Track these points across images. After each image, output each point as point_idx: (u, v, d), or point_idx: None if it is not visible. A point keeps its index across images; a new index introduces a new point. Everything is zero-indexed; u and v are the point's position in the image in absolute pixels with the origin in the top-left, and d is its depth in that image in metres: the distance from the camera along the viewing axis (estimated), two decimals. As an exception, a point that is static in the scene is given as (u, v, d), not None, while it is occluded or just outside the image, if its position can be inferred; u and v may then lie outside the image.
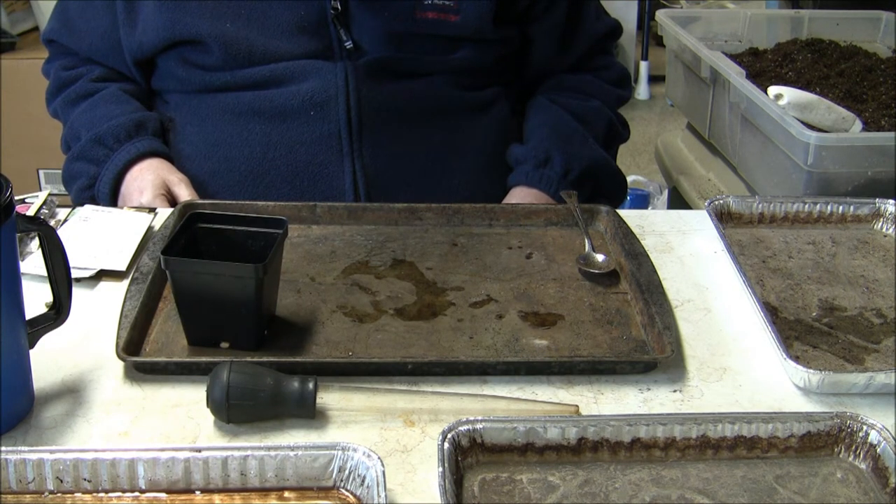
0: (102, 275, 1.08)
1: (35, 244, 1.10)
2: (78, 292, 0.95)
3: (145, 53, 1.39)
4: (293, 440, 0.83)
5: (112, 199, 1.35)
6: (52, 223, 1.15)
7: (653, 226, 1.23)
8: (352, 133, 1.34)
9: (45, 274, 0.87)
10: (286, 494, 0.77)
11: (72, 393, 0.89)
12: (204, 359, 0.91)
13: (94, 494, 0.77)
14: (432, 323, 1.01)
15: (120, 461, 0.76)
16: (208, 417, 0.86)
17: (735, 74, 1.56)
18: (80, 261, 1.07)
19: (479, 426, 0.81)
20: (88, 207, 1.21)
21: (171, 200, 1.30)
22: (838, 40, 1.82)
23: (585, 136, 1.43)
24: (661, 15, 1.91)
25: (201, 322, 0.94)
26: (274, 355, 0.93)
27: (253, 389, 0.84)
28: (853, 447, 0.83)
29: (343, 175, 1.34)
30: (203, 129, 1.37)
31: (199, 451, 0.77)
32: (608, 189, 1.44)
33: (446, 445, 0.78)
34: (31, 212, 1.17)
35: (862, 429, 0.83)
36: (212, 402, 0.84)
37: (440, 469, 0.75)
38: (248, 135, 1.35)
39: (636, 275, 1.07)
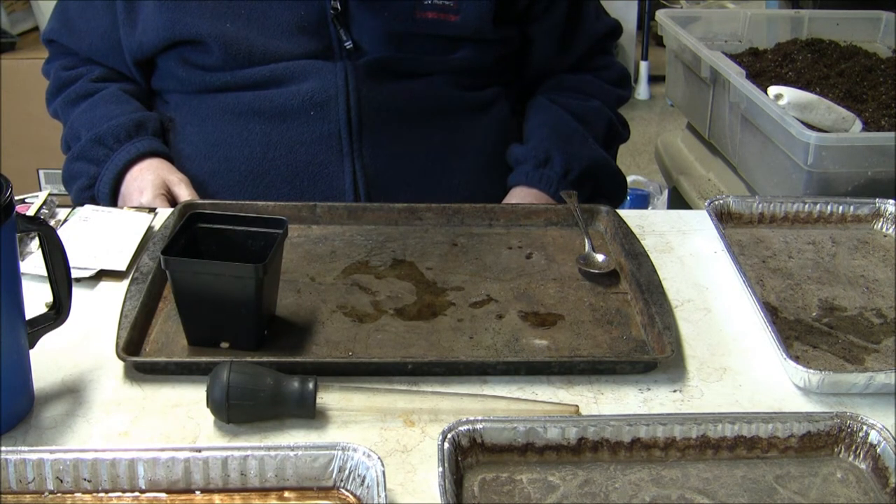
0: (102, 275, 1.08)
1: (35, 244, 1.10)
2: (78, 292, 0.95)
3: (145, 53, 1.39)
4: (293, 440, 0.83)
5: (112, 199, 1.35)
6: (52, 223, 1.15)
7: (653, 226, 1.23)
8: (352, 133, 1.34)
9: (45, 274, 0.87)
10: (286, 494, 0.77)
11: (72, 393, 0.89)
12: (204, 359, 0.91)
13: (94, 494, 0.77)
14: (432, 323, 1.01)
15: (120, 461, 0.76)
16: (208, 417, 0.86)
17: (735, 74, 1.56)
18: (80, 261, 1.07)
19: (479, 426, 0.81)
20: (88, 207, 1.21)
21: (171, 200, 1.30)
22: (838, 40, 1.82)
23: (585, 136, 1.43)
24: (661, 15, 1.91)
25: (201, 322, 0.94)
26: (274, 355, 0.93)
27: (253, 389, 0.84)
28: (853, 447, 0.83)
29: (343, 175, 1.34)
30: (203, 129, 1.37)
31: (199, 451, 0.77)
32: (608, 189, 1.44)
33: (446, 445, 0.78)
34: (31, 212, 1.17)
35: (862, 429, 0.83)
36: (212, 402, 0.84)
37: (440, 469, 0.75)
38: (248, 135, 1.35)
39: (636, 275, 1.07)
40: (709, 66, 1.69)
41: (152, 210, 1.21)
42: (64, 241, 0.87)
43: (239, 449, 0.77)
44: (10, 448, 0.76)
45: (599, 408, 0.89)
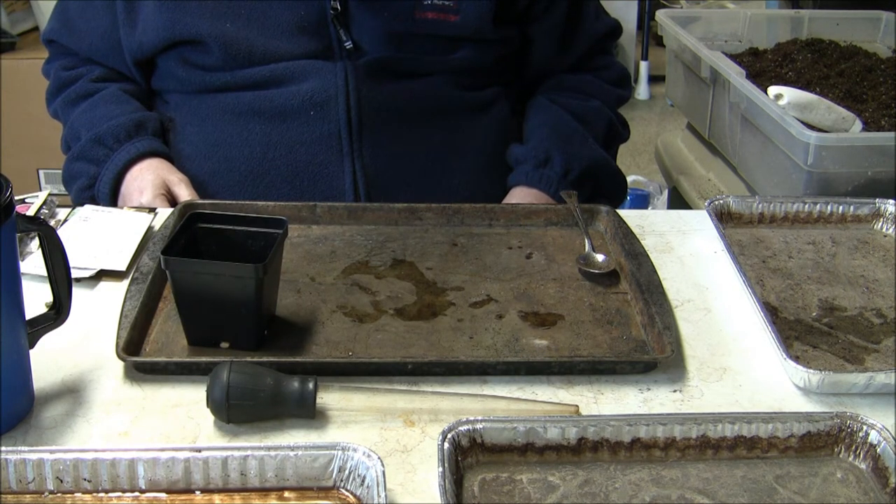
0: (102, 275, 1.08)
1: (35, 244, 1.10)
2: (78, 292, 0.95)
3: (145, 53, 1.39)
4: (293, 440, 0.83)
5: (112, 199, 1.35)
6: (52, 223, 1.15)
7: (653, 226, 1.23)
8: (352, 133, 1.34)
9: (45, 274, 0.87)
10: (286, 494, 0.77)
11: (72, 393, 0.89)
12: (204, 359, 0.91)
13: (94, 494, 0.77)
14: (432, 323, 1.01)
15: (120, 461, 0.76)
16: (208, 417, 0.86)
17: (735, 74, 1.56)
18: (80, 261, 1.07)
19: (479, 426, 0.81)
20: (88, 207, 1.21)
21: (171, 200, 1.30)
22: (838, 40, 1.82)
23: (585, 136, 1.43)
24: (661, 15, 1.91)
25: (201, 322, 0.94)
26: (274, 355, 0.93)
27: (253, 389, 0.84)
28: (853, 447, 0.83)
29: (343, 175, 1.34)
30: (203, 129, 1.37)
31: (199, 451, 0.77)
32: (608, 189, 1.44)
33: (446, 445, 0.78)
34: (31, 212, 1.17)
35: (862, 429, 0.83)
36: (212, 402, 0.84)
37: (440, 469, 0.75)
38: (248, 135, 1.35)
39: (636, 275, 1.07)
40: (709, 66, 1.69)
41: (152, 210, 1.21)
42: (64, 241, 0.87)
43: (239, 449, 0.77)
44: (10, 448, 0.76)
45: (599, 408, 0.89)
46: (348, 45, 1.34)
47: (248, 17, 1.34)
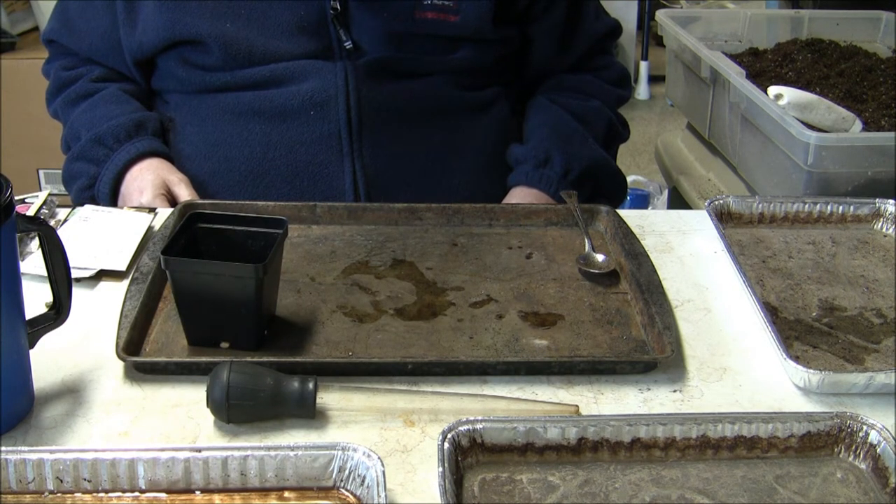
0: (102, 275, 1.08)
1: (35, 244, 1.10)
2: (78, 292, 0.95)
3: (145, 53, 1.39)
4: (293, 440, 0.83)
5: (112, 199, 1.35)
6: (52, 223, 1.15)
7: (653, 226, 1.23)
8: (352, 133, 1.34)
9: (45, 274, 0.87)
10: (286, 494, 0.77)
11: (72, 393, 0.89)
12: (204, 359, 0.91)
13: (94, 494, 0.77)
14: (432, 323, 1.01)
15: (120, 461, 0.76)
16: (208, 417, 0.86)
17: (735, 74, 1.56)
18: (80, 261, 1.07)
19: (479, 426, 0.81)
20: (88, 207, 1.21)
21: (171, 200, 1.30)
22: (838, 40, 1.82)
23: (585, 136, 1.43)
24: (661, 15, 1.91)
25: (201, 322, 0.94)
26: (274, 355, 0.93)
27: (253, 389, 0.84)
28: (853, 447, 0.83)
29: (343, 175, 1.34)
30: (203, 129, 1.37)
31: (199, 451, 0.77)
32: (608, 189, 1.44)
33: (446, 445, 0.78)
34: (31, 212, 1.17)
35: (862, 429, 0.83)
36: (212, 402, 0.84)
37: (440, 469, 0.75)
38: (248, 135, 1.35)
39: (636, 275, 1.07)
40: (709, 66, 1.69)
41: (152, 210, 1.21)
42: (64, 241, 0.87)
43: (239, 449, 0.77)
44: (10, 448, 0.76)
45: (599, 408, 0.89)
46: (348, 45, 1.34)
47: (248, 17, 1.34)
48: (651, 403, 0.90)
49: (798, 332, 1.01)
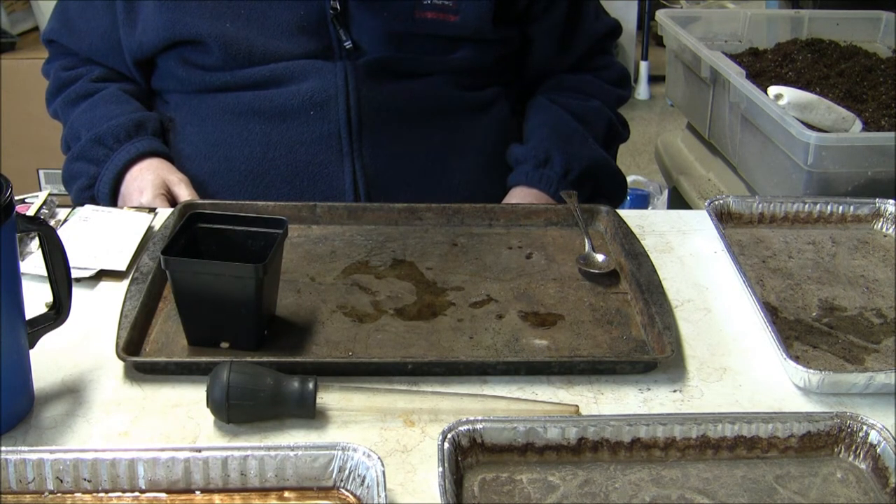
0: (102, 275, 1.08)
1: (35, 244, 1.10)
2: (78, 292, 0.95)
3: (145, 53, 1.39)
4: (293, 440, 0.83)
5: (112, 199, 1.35)
6: (52, 223, 1.15)
7: (653, 226, 1.23)
8: (352, 133, 1.34)
9: (45, 274, 0.87)
10: (286, 494, 0.77)
11: (72, 393, 0.89)
12: (204, 359, 0.91)
13: (94, 494, 0.77)
14: (432, 323, 1.01)
15: (120, 461, 0.76)
16: (208, 417, 0.86)
17: (735, 74, 1.56)
18: (80, 261, 1.07)
19: (479, 426, 0.81)
20: (88, 207, 1.21)
21: (171, 200, 1.30)
22: (838, 40, 1.82)
23: (585, 136, 1.43)
24: (661, 15, 1.91)
25: (201, 322, 0.94)
26: (274, 355, 0.93)
27: (253, 389, 0.84)
28: (853, 447, 0.83)
29: (343, 175, 1.34)
30: (203, 129, 1.37)
31: (199, 451, 0.77)
32: (608, 189, 1.44)
33: (446, 445, 0.78)
34: (31, 212, 1.17)
35: (862, 429, 0.83)
36: (212, 402, 0.84)
37: (440, 469, 0.75)
38: (248, 135, 1.35)
39: (636, 275, 1.07)
40: (709, 66, 1.69)
41: (152, 210, 1.21)
42: (64, 241, 0.87)
43: (239, 449, 0.77)
44: (10, 448, 0.76)
45: (599, 408, 0.89)
46: (348, 45, 1.34)
47: (248, 17, 1.34)
48: (651, 403, 0.90)
49: (798, 332, 1.01)
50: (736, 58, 1.72)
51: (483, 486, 0.79)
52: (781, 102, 1.44)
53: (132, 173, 1.34)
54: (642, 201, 2.97)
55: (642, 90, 4.48)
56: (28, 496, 0.76)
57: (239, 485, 0.78)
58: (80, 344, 0.96)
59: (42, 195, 1.20)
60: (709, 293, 1.09)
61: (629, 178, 2.74)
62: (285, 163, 1.34)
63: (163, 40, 1.36)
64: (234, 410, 0.84)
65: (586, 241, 1.15)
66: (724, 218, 1.22)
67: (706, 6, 3.81)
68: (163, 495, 0.77)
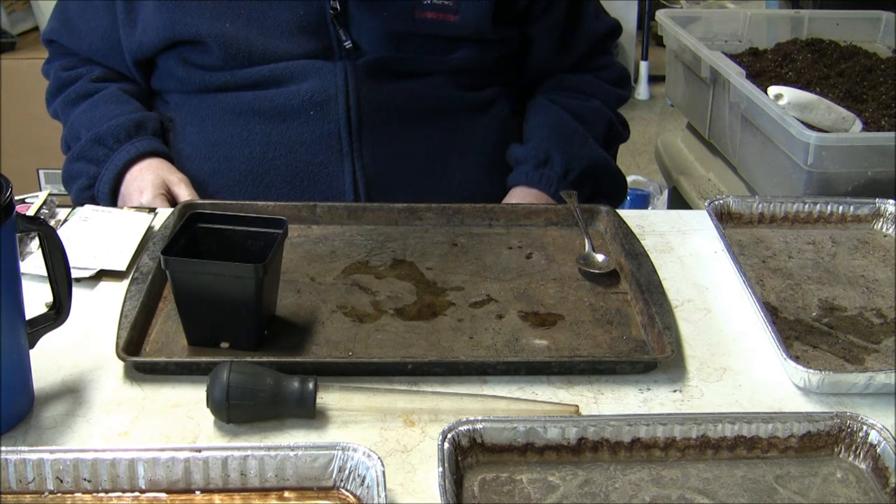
0: (102, 275, 1.08)
1: (35, 244, 1.10)
2: (78, 292, 0.95)
3: (145, 53, 1.39)
4: (293, 440, 0.83)
5: (112, 199, 1.35)
6: (52, 223, 1.15)
7: (653, 226, 1.23)
8: (352, 133, 1.34)
9: (45, 274, 0.87)
10: (286, 494, 0.77)
11: (72, 393, 0.89)
12: (204, 359, 0.91)
13: (94, 494, 0.77)
14: (432, 323, 1.01)
15: (120, 461, 0.76)
16: (208, 417, 0.86)
17: (735, 74, 1.56)
18: (80, 261, 1.07)
19: (479, 426, 0.81)
20: (88, 207, 1.21)
21: (171, 200, 1.30)
22: (838, 40, 1.82)
23: (585, 136, 1.43)
24: (661, 15, 1.91)
25: (201, 322, 0.94)
26: (274, 355, 0.93)
27: (253, 389, 0.84)
28: (853, 447, 0.83)
29: (343, 175, 1.34)
30: (203, 129, 1.37)
31: (199, 451, 0.77)
32: (608, 189, 1.44)
33: (446, 445, 0.78)
34: (31, 212, 1.17)
35: (862, 429, 0.83)
36: (212, 402, 0.84)
37: (440, 469, 0.75)
38: (248, 135, 1.35)
39: (636, 275, 1.07)
40: (709, 66, 1.69)
41: (152, 210, 1.21)
42: (64, 241, 0.87)
43: (239, 449, 0.77)
44: (10, 448, 0.76)
45: (599, 408, 0.89)
46: (348, 44, 1.34)
47: (248, 17, 1.34)
48: (651, 403, 0.90)
49: (798, 332, 1.01)
50: (736, 58, 1.72)
51: (483, 486, 0.79)
52: (781, 102, 1.44)
53: (132, 173, 1.34)
54: (642, 201, 2.97)
55: (642, 90, 4.48)
56: (28, 496, 0.76)
57: (239, 485, 0.78)
58: (80, 344, 0.96)
59: (42, 195, 1.20)
60: (709, 293, 1.09)
61: (629, 178, 2.74)
62: (285, 163, 1.34)
63: (163, 40, 1.36)
64: (234, 410, 0.84)
65: (586, 241, 1.15)
66: (724, 218, 1.22)
67: (706, 6, 3.81)
68: (163, 495, 0.77)
